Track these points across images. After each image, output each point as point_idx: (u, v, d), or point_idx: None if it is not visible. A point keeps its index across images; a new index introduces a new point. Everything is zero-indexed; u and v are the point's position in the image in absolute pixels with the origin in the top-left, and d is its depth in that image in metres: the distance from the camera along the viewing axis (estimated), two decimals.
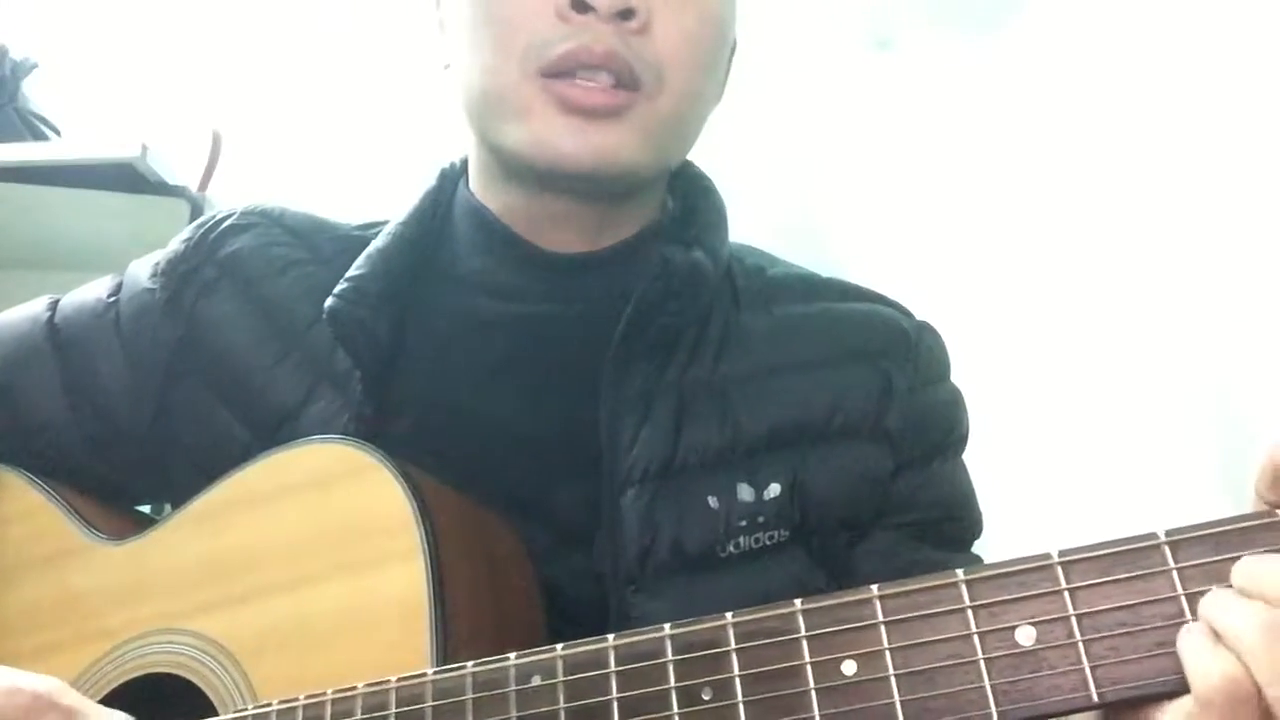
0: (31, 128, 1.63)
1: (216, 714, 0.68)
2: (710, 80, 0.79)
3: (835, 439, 0.78)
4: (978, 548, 0.84)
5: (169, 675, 0.71)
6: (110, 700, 0.72)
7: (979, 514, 0.84)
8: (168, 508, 0.83)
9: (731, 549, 0.74)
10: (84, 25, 1.84)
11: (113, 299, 0.86)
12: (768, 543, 0.75)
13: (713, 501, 0.74)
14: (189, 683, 0.70)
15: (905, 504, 0.80)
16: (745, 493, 0.75)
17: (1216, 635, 0.45)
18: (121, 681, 0.73)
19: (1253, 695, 0.43)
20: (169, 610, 0.73)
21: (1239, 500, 0.50)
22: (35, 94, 1.66)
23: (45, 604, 0.78)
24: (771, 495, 0.75)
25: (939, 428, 0.82)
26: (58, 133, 1.67)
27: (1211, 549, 0.45)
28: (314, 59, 1.89)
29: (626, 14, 0.71)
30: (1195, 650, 0.45)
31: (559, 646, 0.56)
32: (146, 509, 0.92)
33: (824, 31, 1.85)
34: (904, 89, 1.85)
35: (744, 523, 0.74)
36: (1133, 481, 1.56)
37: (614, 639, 0.55)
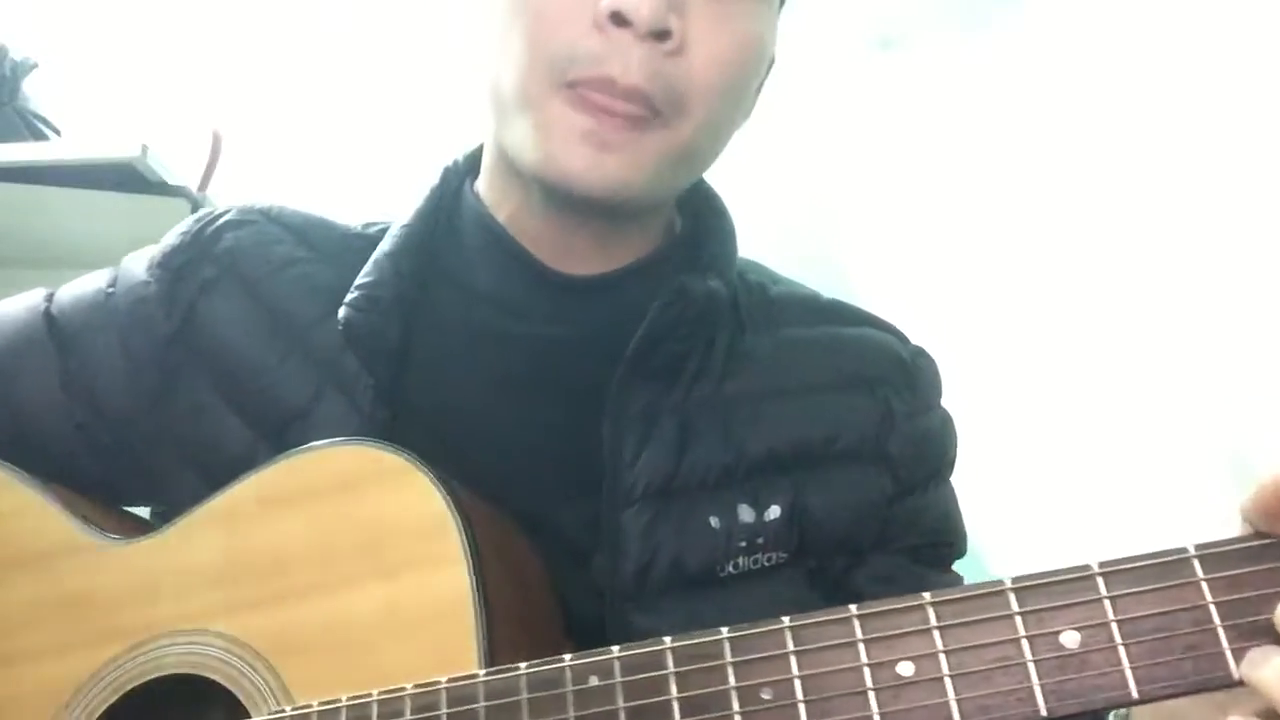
0: (31, 128, 1.63)
1: (245, 716, 0.67)
2: (736, 108, 0.78)
3: (835, 463, 0.79)
4: (987, 556, 0.87)
5: (191, 676, 0.70)
6: (128, 701, 0.71)
7: (965, 534, 0.86)
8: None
9: (731, 569, 0.75)
10: (84, 25, 1.83)
11: (110, 290, 0.85)
12: (766, 564, 0.76)
13: (714, 521, 0.75)
14: (211, 684, 0.69)
15: (907, 528, 0.81)
16: (746, 514, 0.76)
17: None
18: (140, 682, 0.71)
19: None
20: (190, 611, 0.71)
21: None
22: (35, 94, 1.66)
23: (47, 603, 0.75)
24: (772, 517, 0.76)
25: (936, 453, 0.84)
26: (58, 133, 1.67)
27: (1237, 562, 0.49)
28: (314, 59, 1.88)
29: (663, 35, 0.70)
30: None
31: (614, 649, 0.58)
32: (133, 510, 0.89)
33: (826, 31, 1.85)
34: (907, 89, 1.86)
35: (744, 543, 0.75)
36: (1144, 491, 1.59)
37: (671, 641, 0.56)
